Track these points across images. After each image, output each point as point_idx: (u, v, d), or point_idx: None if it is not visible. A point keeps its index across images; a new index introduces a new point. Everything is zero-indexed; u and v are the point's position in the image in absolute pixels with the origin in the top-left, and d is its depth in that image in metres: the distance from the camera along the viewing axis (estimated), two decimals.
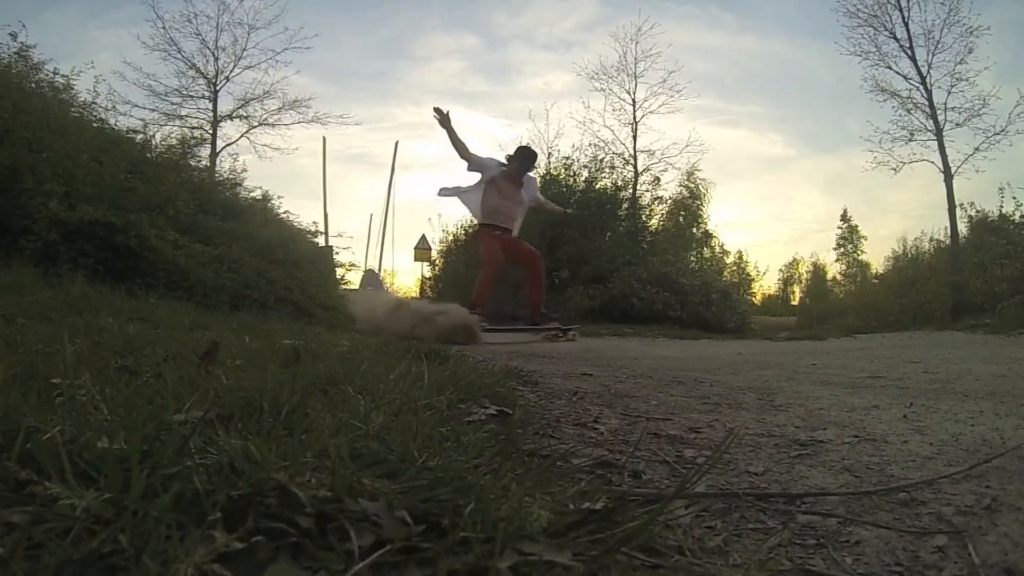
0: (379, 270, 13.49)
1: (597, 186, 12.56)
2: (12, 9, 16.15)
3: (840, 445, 1.15)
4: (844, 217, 29.66)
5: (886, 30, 12.60)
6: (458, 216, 13.84)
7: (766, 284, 29.71)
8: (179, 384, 0.91)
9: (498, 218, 5.81)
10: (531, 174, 6.34)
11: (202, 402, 0.80)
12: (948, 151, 12.03)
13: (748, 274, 26.04)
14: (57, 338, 1.37)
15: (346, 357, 1.53)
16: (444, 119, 5.50)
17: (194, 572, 0.41)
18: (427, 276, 13.51)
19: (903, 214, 33.21)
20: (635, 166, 14.08)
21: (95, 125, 5.30)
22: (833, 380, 2.22)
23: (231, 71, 14.08)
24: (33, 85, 5.23)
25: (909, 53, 12.37)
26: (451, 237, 12.99)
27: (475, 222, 6.47)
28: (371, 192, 29.81)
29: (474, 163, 5.76)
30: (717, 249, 21.98)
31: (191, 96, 13.89)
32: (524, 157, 5.97)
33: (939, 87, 12.25)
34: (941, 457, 1.05)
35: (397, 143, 15.20)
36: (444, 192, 6.13)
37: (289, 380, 0.94)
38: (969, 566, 0.62)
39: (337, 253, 8.37)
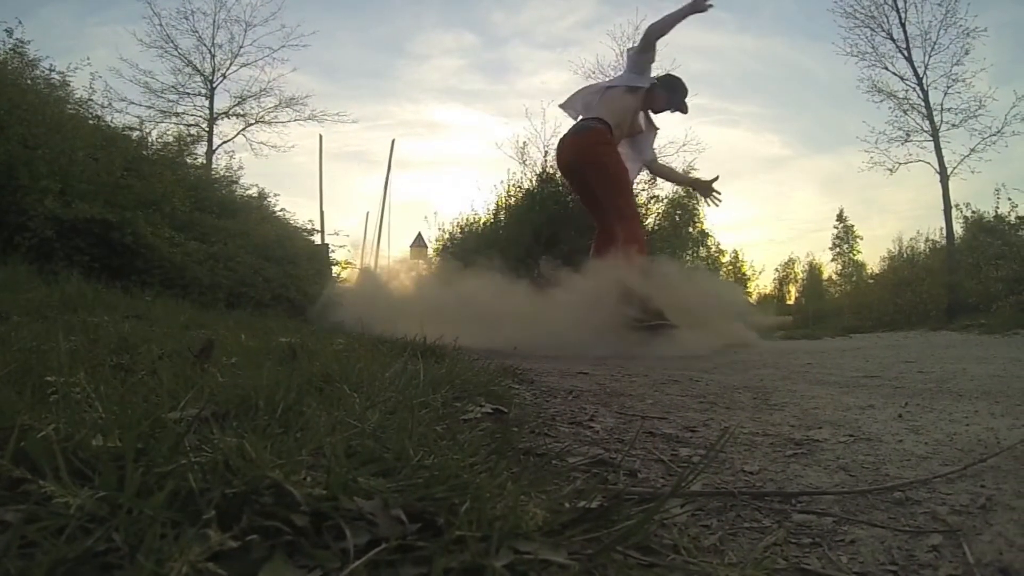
0: (375, 268, 13.38)
1: None
2: (8, 5, 16.12)
3: (835, 444, 1.15)
4: (840, 217, 29.92)
5: (883, 31, 12.67)
6: (455, 214, 13.80)
7: (762, 283, 29.78)
8: (174, 382, 0.91)
9: (619, 135, 4.02)
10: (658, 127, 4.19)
11: (197, 400, 0.80)
12: (944, 152, 12.12)
13: (744, 273, 26.12)
14: (52, 335, 1.37)
15: (342, 355, 1.53)
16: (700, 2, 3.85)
17: (188, 571, 0.41)
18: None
19: (899, 214, 33.54)
20: None
21: (91, 122, 5.30)
22: (828, 379, 2.22)
23: (228, 68, 14.12)
24: (29, 81, 5.21)
25: (906, 54, 12.44)
26: (447, 235, 12.96)
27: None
28: (368, 190, 29.66)
29: (651, 59, 4.05)
30: (713, 248, 22.01)
31: (187, 93, 13.92)
32: (674, 88, 4.13)
33: (935, 88, 12.35)
34: (936, 457, 1.05)
35: (393, 141, 15.07)
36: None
37: (285, 378, 0.93)
38: (964, 565, 0.62)
39: (333, 251, 8.36)
